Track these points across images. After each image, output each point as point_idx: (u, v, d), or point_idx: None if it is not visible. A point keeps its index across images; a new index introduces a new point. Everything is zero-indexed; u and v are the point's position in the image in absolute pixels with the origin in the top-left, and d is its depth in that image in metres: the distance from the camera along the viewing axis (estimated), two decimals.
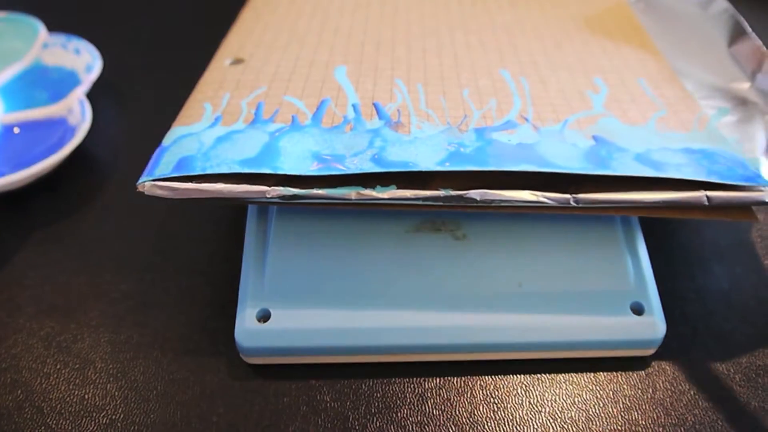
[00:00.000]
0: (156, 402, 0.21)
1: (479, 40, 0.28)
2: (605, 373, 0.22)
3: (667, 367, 0.22)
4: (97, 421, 0.21)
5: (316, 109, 0.23)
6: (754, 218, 0.21)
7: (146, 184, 0.21)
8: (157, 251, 0.26)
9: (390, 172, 0.20)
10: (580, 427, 0.21)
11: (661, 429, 0.21)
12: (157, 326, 0.23)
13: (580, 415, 0.21)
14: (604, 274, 0.22)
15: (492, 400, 0.21)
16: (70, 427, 0.21)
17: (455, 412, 0.21)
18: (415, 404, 0.21)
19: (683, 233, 0.27)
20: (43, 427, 0.21)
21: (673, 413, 0.21)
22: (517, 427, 0.21)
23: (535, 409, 0.21)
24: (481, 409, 0.21)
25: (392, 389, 0.22)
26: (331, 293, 0.22)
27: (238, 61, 0.26)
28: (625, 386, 0.22)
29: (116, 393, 0.22)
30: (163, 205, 0.28)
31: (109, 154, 0.31)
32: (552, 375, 0.22)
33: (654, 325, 0.22)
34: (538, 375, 0.22)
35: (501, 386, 0.22)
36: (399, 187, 0.20)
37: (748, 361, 0.22)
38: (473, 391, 0.22)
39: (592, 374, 0.22)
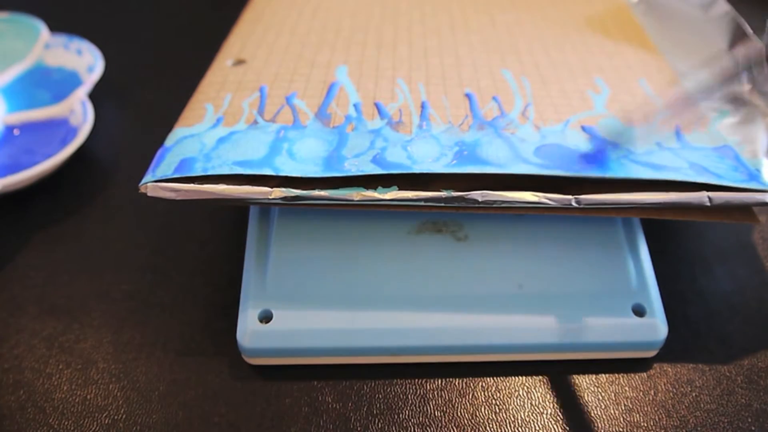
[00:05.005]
0: (158, 402, 0.21)
1: (481, 39, 0.28)
2: (607, 375, 0.22)
3: (669, 369, 0.22)
4: (99, 421, 0.21)
5: (318, 110, 0.23)
6: (755, 220, 0.21)
7: (148, 185, 0.21)
8: (159, 252, 0.26)
9: (392, 174, 0.20)
10: (582, 428, 0.21)
11: (662, 431, 0.21)
12: (159, 327, 0.23)
13: (582, 416, 0.21)
14: (605, 276, 0.22)
15: (494, 401, 0.21)
16: (72, 428, 0.21)
17: (457, 413, 0.21)
18: (417, 405, 0.21)
19: (685, 235, 0.27)
20: (45, 427, 0.21)
21: (674, 415, 0.21)
22: (519, 428, 0.21)
23: (537, 410, 0.21)
24: (482, 410, 0.21)
25: (394, 390, 0.22)
26: (332, 294, 0.22)
27: (239, 62, 0.26)
28: (626, 388, 0.22)
29: (118, 393, 0.22)
30: (165, 206, 0.28)
31: (110, 155, 0.31)
32: (553, 376, 0.22)
33: (655, 327, 0.22)
34: (540, 376, 0.22)
35: (503, 388, 0.22)
36: (401, 188, 0.20)
37: (750, 362, 0.22)
38: (475, 393, 0.22)
39: (594, 376, 0.22)
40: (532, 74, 0.26)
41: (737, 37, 0.27)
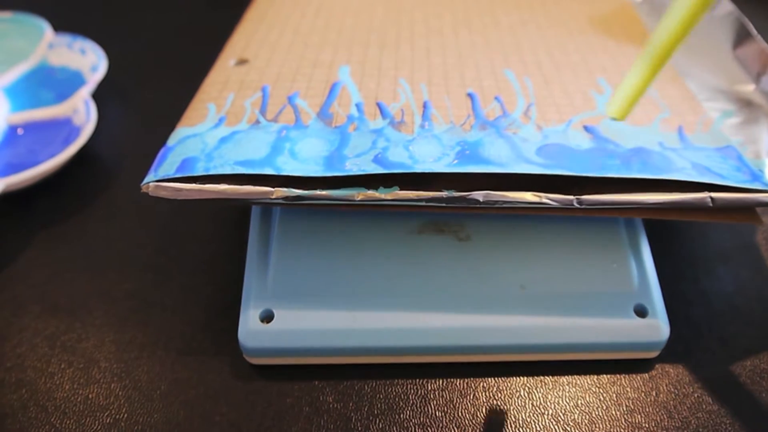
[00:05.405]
0: (159, 402, 0.21)
1: (483, 39, 0.28)
2: (608, 376, 0.22)
3: (671, 370, 0.22)
4: (101, 420, 0.21)
5: (320, 109, 0.23)
6: (758, 221, 0.21)
7: (150, 184, 0.21)
8: (161, 251, 0.26)
9: (394, 173, 0.20)
10: (583, 429, 0.21)
11: None
12: (161, 326, 0.23)
13: (583, 417, 0.21)
14: (607, 276, 0.22)
15: (495, 402, 0.21)
16: (74, 427, 0.21)
17: (458, 413, 0.21)
18: (418, 406, 0.21)
19: (687, 235, 0.27)
20: (47, 426, 0.21)
21: (676, 416, 0.21)
22: (520, 429, 0.21)
23: (538, 411, 0.21)
24: (483, 411, 0.21)
25: (395, 390, 0.22)
26: (334, 294, 0.22)
27: (242, 62, 0.26)
28: (628, 389, 0.22)
29: (120, 392, 0.22)
30: (167, 205, 0.28)
31: (113, 155, 0.31)
32: (555, 377, 0.22)
33: (657, 328, 0.21)
34: (541, 377, 0.22)
35: (504, 388, 0.22)
36: (402, 188, 0.20)
37: (752, 364, 0.22)
38: (476, 393, 0.22)
39: (596, 377, 0.22)
40: (535, 74, 0.26)
41: (741, 36, 0.27)
